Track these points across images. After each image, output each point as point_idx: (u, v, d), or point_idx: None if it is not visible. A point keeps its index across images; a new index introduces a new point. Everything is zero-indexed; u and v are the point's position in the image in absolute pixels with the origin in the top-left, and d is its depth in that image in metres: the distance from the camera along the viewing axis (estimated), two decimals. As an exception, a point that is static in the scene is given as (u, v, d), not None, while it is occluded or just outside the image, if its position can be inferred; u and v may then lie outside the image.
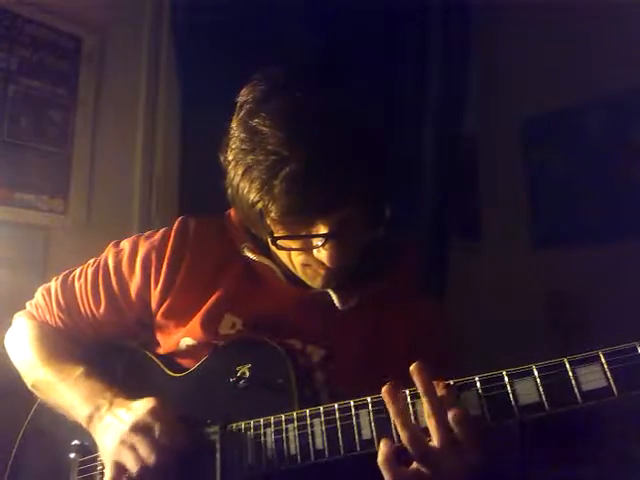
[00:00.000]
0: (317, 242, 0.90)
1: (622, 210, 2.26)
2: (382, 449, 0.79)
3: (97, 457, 1.02)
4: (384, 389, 0.80)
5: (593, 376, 0.73)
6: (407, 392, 0.82)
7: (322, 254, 0.91)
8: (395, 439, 0.80)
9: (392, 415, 0.79)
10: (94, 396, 1.00)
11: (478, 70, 2.53)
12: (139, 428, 0.90)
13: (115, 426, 0.93)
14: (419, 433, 0.77)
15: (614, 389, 0.71)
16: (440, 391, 0.78)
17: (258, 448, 0.89)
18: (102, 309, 1.11)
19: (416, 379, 0.79)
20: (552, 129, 2.52)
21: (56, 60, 1.76)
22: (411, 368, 0.80)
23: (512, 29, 2.57)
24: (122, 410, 0.95)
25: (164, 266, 1.06)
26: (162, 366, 1.07)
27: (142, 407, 0.93)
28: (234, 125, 0.94)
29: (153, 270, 1.07)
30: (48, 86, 1.73)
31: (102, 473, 1.01)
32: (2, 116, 1.64)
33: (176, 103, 1.95)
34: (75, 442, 1.05)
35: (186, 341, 1.04)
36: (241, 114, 0.93)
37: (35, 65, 1.71)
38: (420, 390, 0.78)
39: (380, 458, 0.79)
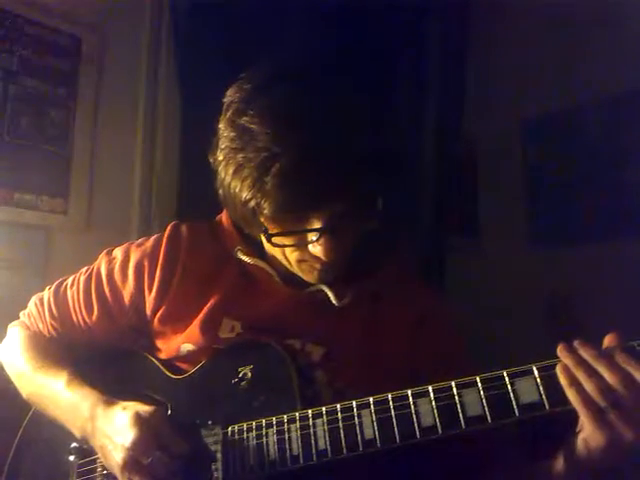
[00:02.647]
0: (312, 237, 0.90)
1: (621, 210, 2.26)
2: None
3: (96, 459, 1.02)
4: (559, 347, 0.78)
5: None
6: (409, 392, 0.82)
7: (317, 249, 0.91)
8: (397, 438, 0.81)
9: (572, 367, 0.75)
10: (75, 411, 1.00)
11: (477, 69, 2.53)
12: (130, 466, 0.89)
13: (109, 456, 0.92)
14: (606, 382, 0.74)
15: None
16: (618, 353, 0.75)
17: (260, 449, 0.89)
18: (95, 317, 1.10)
19: (583, 348, 0.76)
20: (551, 129, 2.52)
21: (56, 60, 1.75)
22: (576, 342, 0.77)
23: (511, 29, 2.57)
24: (109, 428, 0.93)
25: (157, 272, 1.06)
26: (163, 368, 1.07)
27: (129, 436, 0.90)
28: (222, 125, 0.94)
29: (146, 276, 1.07)
30: (48, 86, 1.73)
31: (101, 475, 1.01)
32: (2, 116, 1.64)
33: (176, 104, 1.94)
34: (74, 444, 1.05)
35: (187, 347, 1.04)
36: (228, 114, 0.92)
37: (35, 65, 1.71)
38: (591, 355, 0.75)
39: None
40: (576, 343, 0.77)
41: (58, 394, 1.03)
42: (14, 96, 1.67)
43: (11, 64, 1.67)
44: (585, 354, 0.76)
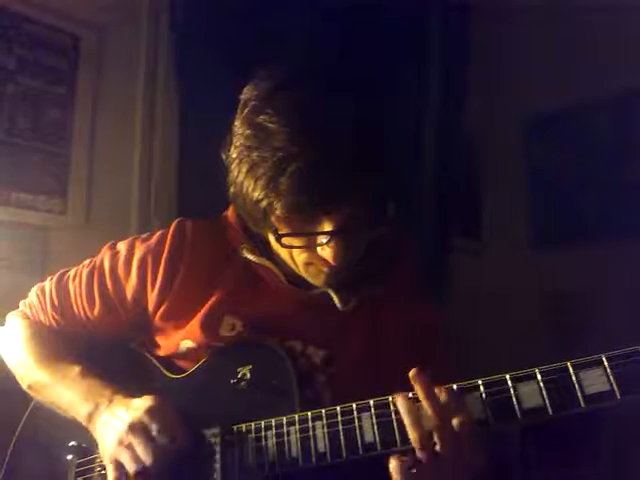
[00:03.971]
0: (322, 239, 0.90)
1: (622, 210, 2.26)
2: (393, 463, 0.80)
3: (95, 459, 1.02)
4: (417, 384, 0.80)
5: (596, 380, 0.73)
6: (410, 395, 0.81)
7: (326, 252, 0.90)
8: (398, 442, 0.80)
9: (402, 413, 0.79)
10: (93, 394, 1.00)
11: (479, 69, 2.53)
12: (136, 427, 0.90)
13: (114, 425, 0.93)
14: (427, 434, 0.77)
15: (617, 393, 0.72)
16: (443, 395, 0.78)
17: (259, 451, 0.88)
18: (96, 311, 1.10)
19: (416, 383, 0.79)
20: (552, 129, 2.52)
21: (54, 59, 1.75)
22: (410, 373, 0.80)
23: (512, 29, 2.57)
24: (121, 408, 0.95)
25: (161, 268, 1.05)
26: (161, 367, 1.07)
27: (140, 406, 0.93)
28: (238, 123, 0.93)
29: (149, 272, 1.06)
30: (46, 85, 1.72)
31: (100, 475, 1.00)
32: (0, 115, 1.64)
33: (175, 103, 1.94)
34: (72, 443, 1.04)
35: (186, 343, 1.03)
36: (245, 111, 0.91)
37: (33, 64, 1.71)
38: (420, 395, 0.78)
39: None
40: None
41: (69, 383, 1.03)
42: (12, 95, 1.66)
43: (9, 63, 1.67)
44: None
